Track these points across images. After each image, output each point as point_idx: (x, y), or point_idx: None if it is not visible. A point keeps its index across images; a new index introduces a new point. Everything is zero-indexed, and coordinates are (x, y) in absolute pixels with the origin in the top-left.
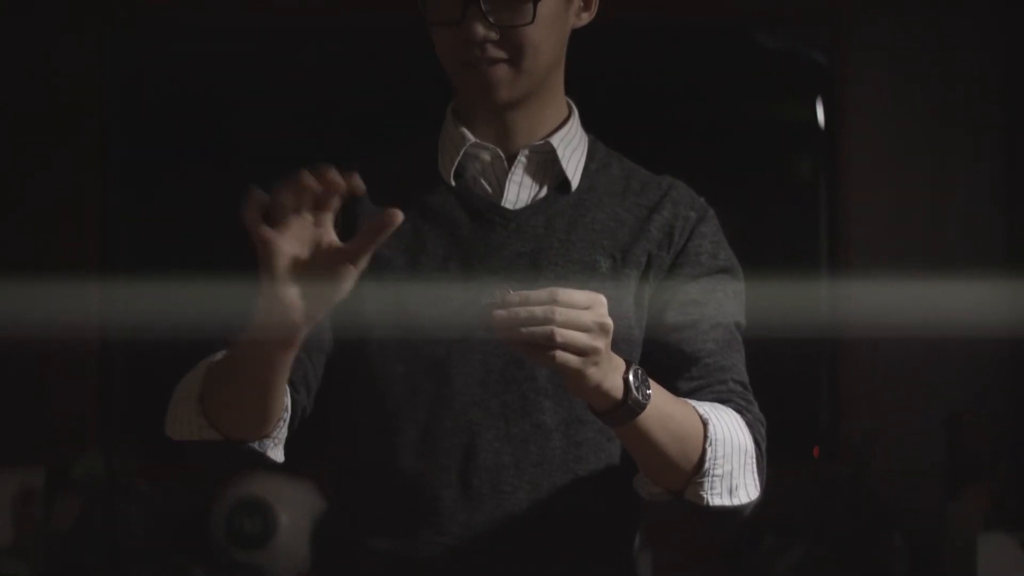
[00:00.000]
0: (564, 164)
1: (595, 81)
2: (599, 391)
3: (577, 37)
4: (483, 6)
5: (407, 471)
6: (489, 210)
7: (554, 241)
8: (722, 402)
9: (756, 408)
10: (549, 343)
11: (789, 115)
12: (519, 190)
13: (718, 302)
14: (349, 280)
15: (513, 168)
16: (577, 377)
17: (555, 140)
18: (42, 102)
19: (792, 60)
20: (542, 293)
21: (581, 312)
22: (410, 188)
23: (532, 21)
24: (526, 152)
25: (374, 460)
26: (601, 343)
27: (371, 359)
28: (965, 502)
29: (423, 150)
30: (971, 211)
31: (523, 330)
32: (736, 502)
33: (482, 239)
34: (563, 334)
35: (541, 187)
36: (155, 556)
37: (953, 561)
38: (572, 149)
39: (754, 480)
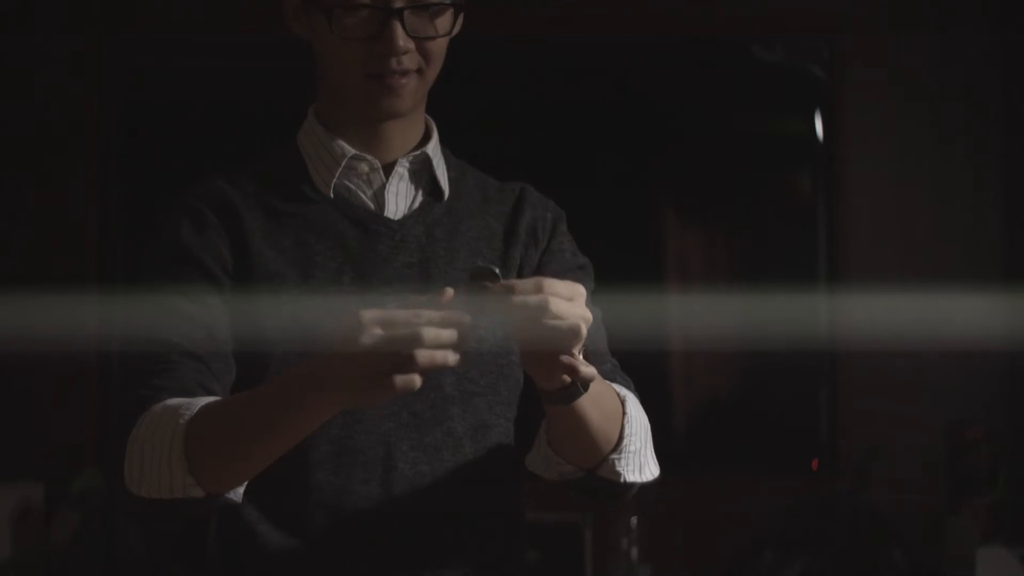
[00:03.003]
0: (438, 173)
1: (594, 94)
2: (553, 373)
3: (577, 52)
4: (404, 20)
5: (325, 487)
6: (374, 221)
7: (439, 250)
8: (610, 380)
9: (632, 386)
10: (576, 338)
11: (788, 129)
12: (397, 200)
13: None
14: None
15: (391, 178)
16: (566, 343)
17: (429, 149)
18: (39, 116)
19: (791, 74)
20: (529, 282)
21: (569, 304)
22: (288, 200)
23: (451, 31)
24: (405, 162)
25: (287, 476)
26: (584, 331)
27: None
28: (964, 516)
29: (287, 159)
30: (970, 225)
31: (549, 322)
32: (644, 478)
33: (371, 250)
34: (556, 304)
35: (415, 197)
36: (153, 572)
37: (952, 575)
38: (439, 159)
39: (654, 457)
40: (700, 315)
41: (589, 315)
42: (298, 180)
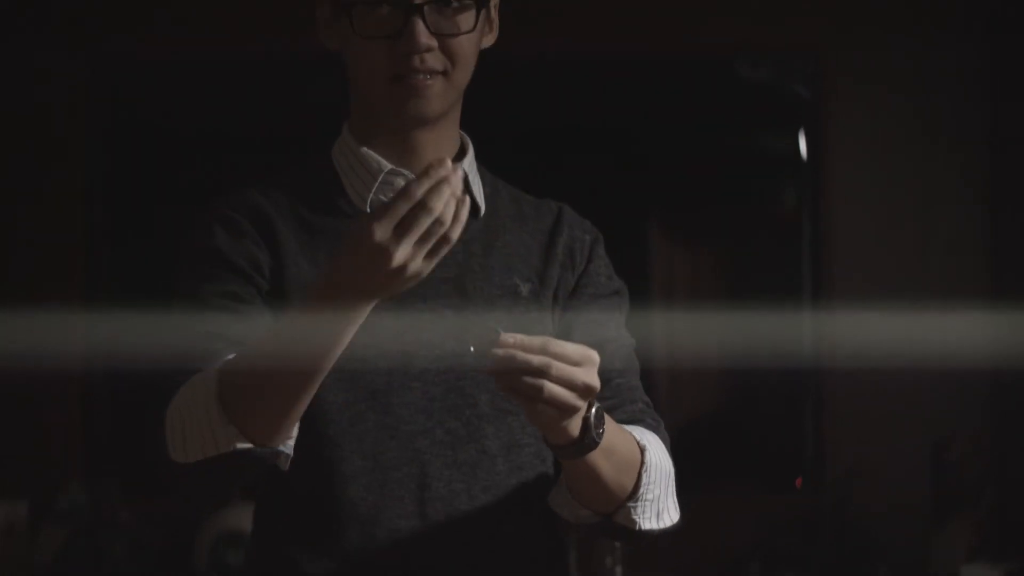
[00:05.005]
0: (474, 189)
1: (578, 113)
2: (560, 429)
3: (562, 70)
4: (425, 16)
5: (359, 502)
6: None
7: (475, 266)
8: (635, 422)
9: (663, 426)
10: (536, 395)
11: (772, 146)
12: None
13: (617, 323)
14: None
15: None
16: (564, 412)
17: (465, 164)
18: (26, 133)
19: (775, 92)
20: (535, 341)
21: (575, 370)
22: (322, 213)
23: (474, 28)
24: None
25: (320, 490)
26: (583, 404)
27: None
28: (949, 533)
29: (321, 173)
30: (954, 242)
31: (522, 379)
32: (662, 525)
33: None
34: (551, 390)
35: None
36: None
37: None
38: (475, 174)
39: (674, 502)
40: (686, 332)
41: (596, 383)
42: (333, 194)
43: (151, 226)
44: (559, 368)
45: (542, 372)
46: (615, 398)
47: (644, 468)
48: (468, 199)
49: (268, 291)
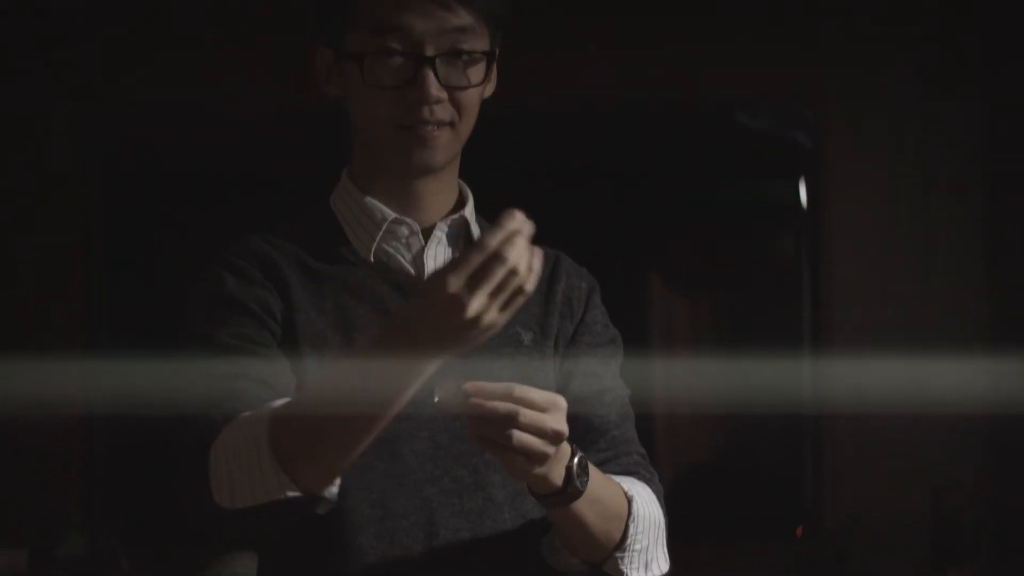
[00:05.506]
0: (476, 238)
1: (579, 160)
2: (539, 478)
3: (564, 118)
4: (437, 68)
5: (368, 551)
6: (416, 285)
7: None
8: (629, 473)
9: (656, 478)
10: (507, 443)
11: (772, 195)
12: (435, 264)
13: (613, 373)
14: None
15: (429, 242)
16: (533, 460)
17: (467, 213)
18: (26, 176)
19: (775, 141)
20: (499, 388)
21: (543, 416)
22: (326, 262)
23: (484, 81)
24: (444, 226)
25: (326, 537)
26: (552, 450)
27: None
28: None
29: (322, 222)
30: (954, 291)
31: (491, 428)
32: (652, 575)
33: None
34: (520, 438)
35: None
36: None
37: None
38: (475, 223)
39: (664, 553)
40: (685, 380)
41: (564, 429)
42: (336, 242)
43: (153, 273)
44: (527, 415)
45: (510, 419)
46: (611, 450)
47: (631, 518)
48: (541, 251)
49: (281, 337)
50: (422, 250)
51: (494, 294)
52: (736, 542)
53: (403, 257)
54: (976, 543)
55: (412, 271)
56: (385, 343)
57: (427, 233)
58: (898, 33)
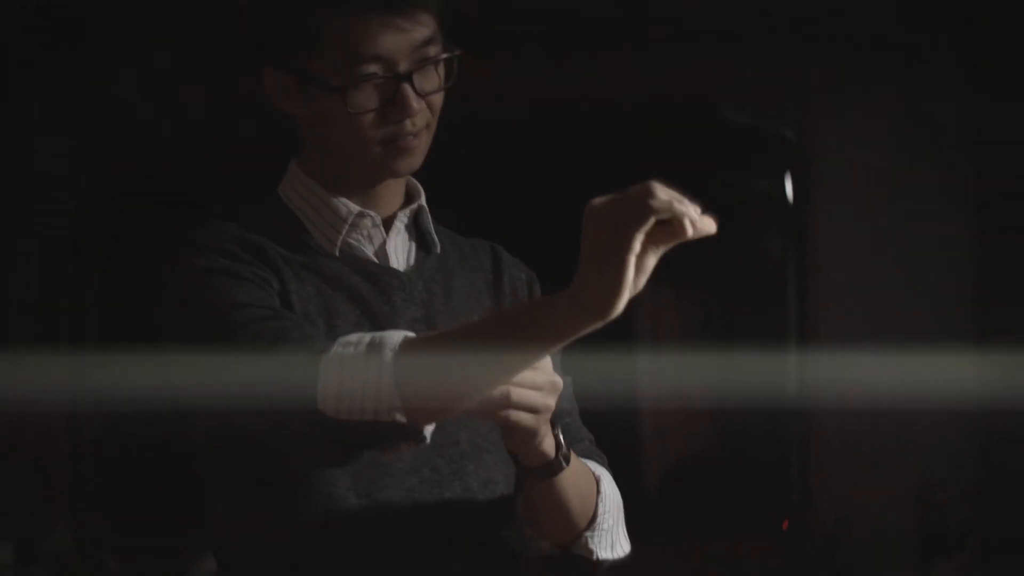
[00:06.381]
0: (432, 227)
1: (565, 157)
2: (538, 448)
3: (551, 114)
4: (414, 81)
5: (351, 539)
6: (385, 274)
7: (440, 306)
8: (586, 458)
9: (607, 462)
10: (505, 402)
11: (758, 190)
12: (397, 254)
13: (557, 362)
14: (651, 270)
15: (390, 233)
16: (527, 435)
17: (424, 201)
18: (16, 174)
19: (761, 136)
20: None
21: (534, 372)
22: (296, 252)
23: (452, 80)
24: (404, 216)
25: (313, 525)
26: (552, 401)
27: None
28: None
29: (278, 215)
30: (940, 284)
31: (509, 414)
32: (616, 555)
33: (385, 303)
34: (518, 393)
35: (408, 251)
36: None
37: None
38: (426, 213)
39: (625, 534)
40: (671, 375)
41: (559, 380)
42: (299, 233)
43: (139, 269)
44: (517, 393)
45: (504, 399)
46: (566, 437)
47: (600, 497)
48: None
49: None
50: (383, 242)
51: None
52: (723, 537)
53: (367, 249)
54: (962, 539)
55: (377, 261)
56: (563, 306)
57: (386, 224)
58: (885, 29)
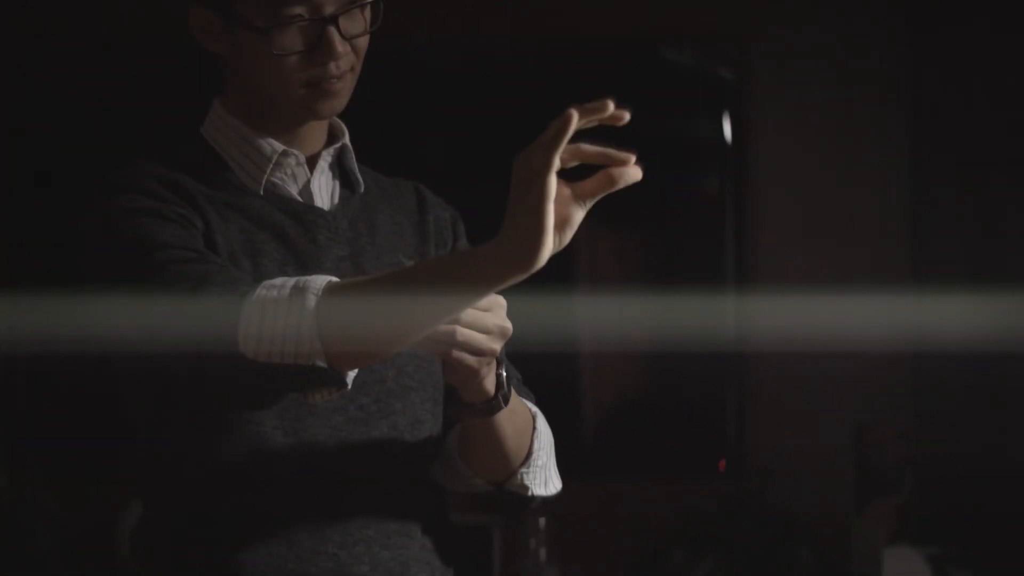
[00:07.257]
0: (355, 166)
1: (502, 98)
2: (480, 386)
3: (487, 54)
4: (340, 24)
5: (281, 478)
6: (309, 212)
7: (365, 244)
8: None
9: (534, 400)
10: (450, 341)
11: (696, 131)
12: (321, 193)
13: None
14: (577, 223)
15: (314, 172)
16: (469, 373)
17: (347, 141)
18: None
19: (699, 76)
20: None
21: (484, 314)
22: (220, 190)
23: (378, 23)
24: (328, 156)
25: (240, 464)
26: (498, 345)
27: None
28: (872, 516)
29: (201, 154)
30: (877, 226)
31: (463, 332)
32: (549, 492)
33: (311, 241)
34: (464, 334)
35: (333, 190)
36: (61, 574)
37: (860, 575)
38: (349, 152)
39: (556, 471)
40: (609, 317)
41: (508, 326)
42: (221, 171)
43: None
44: (469, 313)
45: (454, 319)
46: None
47: (536, 434)
48: None
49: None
50: (308, 181)
51: None
52: (660, 476)
53: (291, 188)
54: (898, 478)
55: (301, 200)
56: (486, 258)
57: (311, 163)
58: None
